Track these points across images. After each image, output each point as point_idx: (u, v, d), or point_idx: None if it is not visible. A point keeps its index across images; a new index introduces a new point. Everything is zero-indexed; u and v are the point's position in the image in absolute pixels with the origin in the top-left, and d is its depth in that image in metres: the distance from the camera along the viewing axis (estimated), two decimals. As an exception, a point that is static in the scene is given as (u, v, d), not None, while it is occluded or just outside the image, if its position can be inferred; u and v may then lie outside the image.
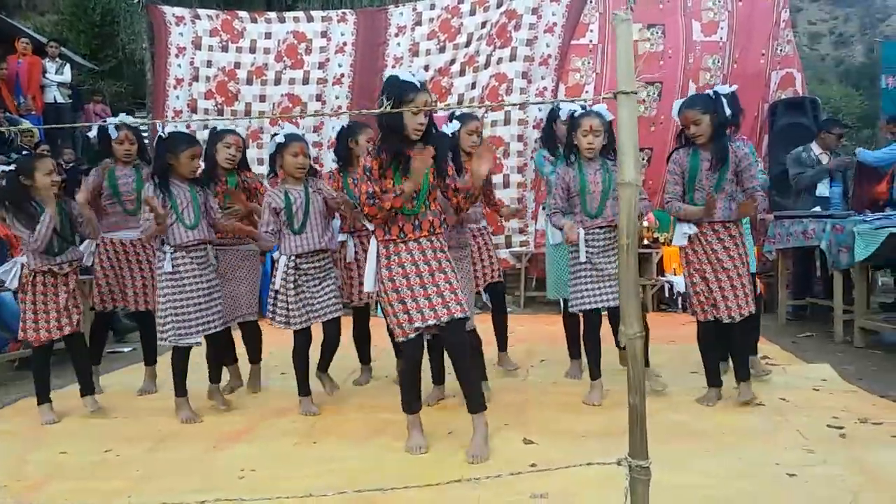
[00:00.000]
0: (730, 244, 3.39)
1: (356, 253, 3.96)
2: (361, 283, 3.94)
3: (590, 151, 3.57)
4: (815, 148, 5.87)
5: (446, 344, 2.90)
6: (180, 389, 3.58)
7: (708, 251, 3.41)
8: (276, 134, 3.58)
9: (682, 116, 3.36)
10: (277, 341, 4.24)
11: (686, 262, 3.50)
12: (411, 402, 2.96)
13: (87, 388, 3.68)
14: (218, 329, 3.62)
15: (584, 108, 3.70)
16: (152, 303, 4.04)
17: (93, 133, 4.17)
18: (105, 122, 4.12)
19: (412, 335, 2.83)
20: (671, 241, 3.52)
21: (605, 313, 3.70)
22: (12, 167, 3.57)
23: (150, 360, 4.24)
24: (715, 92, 3.34)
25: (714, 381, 3.52)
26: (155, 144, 3.54)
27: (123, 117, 4.14)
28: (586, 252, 3.61)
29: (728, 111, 3.30)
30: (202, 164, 3.75)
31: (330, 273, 3.65)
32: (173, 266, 3.44)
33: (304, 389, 3.63)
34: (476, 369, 2.97)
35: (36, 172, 3.45)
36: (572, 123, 3.64)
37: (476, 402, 2.88)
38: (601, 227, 3.61)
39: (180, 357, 3.56)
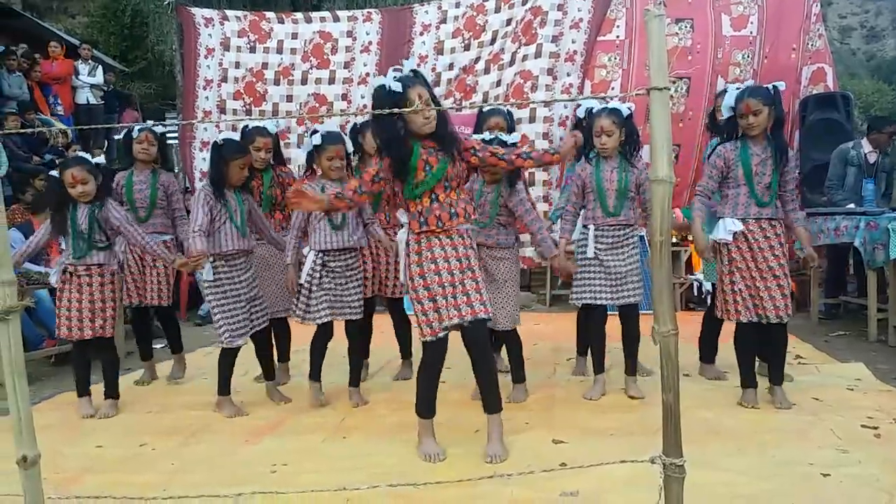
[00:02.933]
0: (775, 242, 3.29)
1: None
2: (368, 277, 3.99)
3: (603, 151, 3.56)
4: (866, 145, 5.74)
5: (468, 343, 2.84)
6: (223, 389, 3.64)
7: (755, 249, 3.29)
8: (314, 132, 3.61)
9: (742, 104, 3.23)
10: (306, 337, 4.29)
11: (728, 260, 3.35)
12: (428, 406, 2.91)
13: (110, 392, 3.76)
14: (263, 326, 3.69)
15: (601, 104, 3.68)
16: (167, 298, 4.23)
17: (119, 135, 4.30)
18: (132, 126, 4.25)
19: (441, 334, 2.79)
20: (710, 235, 3.42)
21: (615, 313, 3.72)
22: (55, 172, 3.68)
23: (176, 348, 4.42)
24: (774, 87, 3.25)
25: (752, 382, 3.44)
26: (210, 150, 3.61)
27: (150, 124, 4.25)
28: (595, 248, 3.61)
29: (782, 108, 3.25)
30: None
31: (356, 273, 3.68)
32: (214, 274, 3.50)
33: (314, 375, 3.72)
34: (495, 370, 2.96)
35: (64, 184, 3.53)
36: (589, 123, 3.63)
37: (493, 403, 2.87)
38: (611, 226, 3.60)
39: (228, 358, 3.63)
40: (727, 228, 3.33)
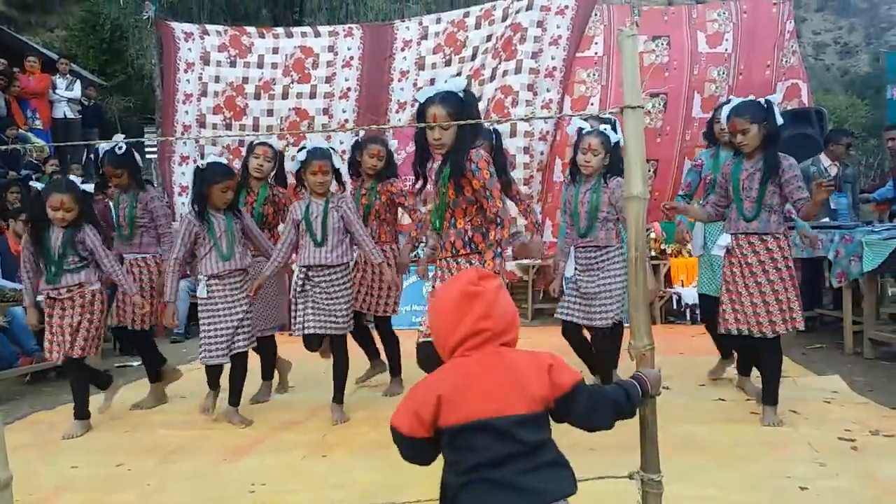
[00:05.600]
0: (765, 258, 3.23)
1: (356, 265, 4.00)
2: (379, 293, 4.02)
3: (585, 168, 3.59)
4: (824, 160, 5.85)
5: None
6: (213, 385, 3.68)
7: (742, 265, 3.28)
8: (302, 148, 3.63)
9: (729, 123, 3.26)
10: (289, 356, 4.27)
11: (720, 274, 3.47)
12: None
13: (80, 413, 3.68)
14: (243, 349, 3.67)
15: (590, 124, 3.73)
16: (148, 322, 4.06)
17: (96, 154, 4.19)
18: (102, 146, 4.11)
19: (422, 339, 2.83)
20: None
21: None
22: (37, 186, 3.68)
23: (152, 377, 4.21)
24: (767, 101, 3.22)
25: (727, 355, 3.58)
26: (193, 175, 3.60)
27: (117, 138, 4.05)
28: (574, 268, 3.73)
29: (779, 121, 3.20)
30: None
31: (342, 288, 3.66)
32: (208, 292, 3.54)
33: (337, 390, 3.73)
34: None
35: (46, 203, 3.50)
36: (577, 140, 3.66)
37: None
38: (584, 247, 3.66)
39: (213, 373, 3.66)
40: (718, 244, 3.42)
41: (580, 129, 3.67)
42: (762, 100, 3.24)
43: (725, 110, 3.36)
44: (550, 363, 1.46)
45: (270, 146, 4.10)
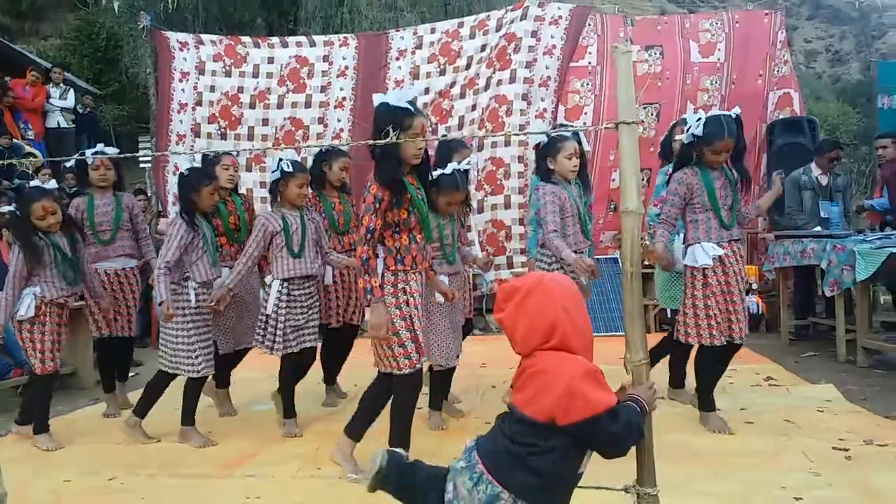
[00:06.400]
0: (742, 264, 3.43)
1: (333, 277, 4.02)
2: (339, 306, 4.06)
3: (573, 174, 3.60)
4: (815, 169, 5.91)
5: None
6: (189, 419, 3.58)
7: (730, 273, 3.34)
8: (281, 159, 3.62)
9: (722, 143, 3.22)
10: (271, 364, 4.26)
11: (702, 285, 3.34)
12: (406, 441, 2.83)
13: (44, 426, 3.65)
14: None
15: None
16: (135, 328, 4.19)
17: (70, 163, 4.20)
18: (83, 153, 4.18)
19: (418, 365, 2.77)
20: (685, 262, 3.47)
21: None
22: (13, 206, 3.62)
23: (122, 378, 4.40)
24: (737, 116, 3.27)
25: (712, 405, 3.48)
26: (178, 181, 3.60)
27: (101, 148, 4.13)
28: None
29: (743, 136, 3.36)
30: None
31: (316, 301, 3.74)
32: (196, 300, 3.49)
33: (289, 412, 3.67)
34: None
35: (31, 217, 3.48)
36: (552, 146, 3.58)
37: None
38: (581, 251, 3.66)
39: (196, 387, 3.59)
40: (708, 254, 3.33)
41: (542, 142, 3.67)
42: (732, 114, 3.29)
43: (696, 129, 3.27)
44: (567, 392, 1.53)
45: (232, 155, 4.16)
